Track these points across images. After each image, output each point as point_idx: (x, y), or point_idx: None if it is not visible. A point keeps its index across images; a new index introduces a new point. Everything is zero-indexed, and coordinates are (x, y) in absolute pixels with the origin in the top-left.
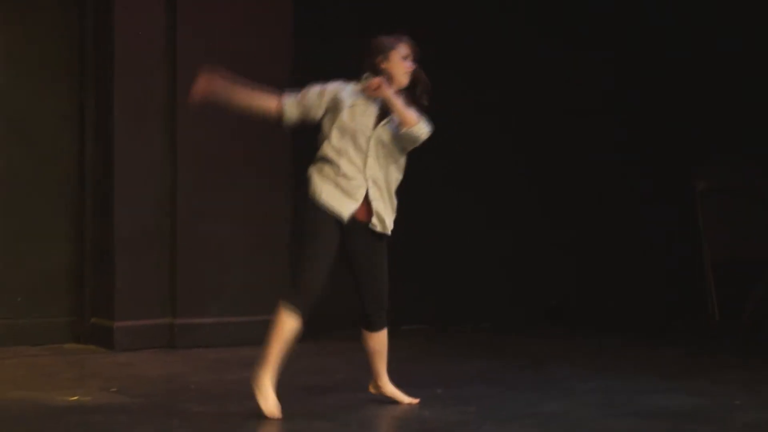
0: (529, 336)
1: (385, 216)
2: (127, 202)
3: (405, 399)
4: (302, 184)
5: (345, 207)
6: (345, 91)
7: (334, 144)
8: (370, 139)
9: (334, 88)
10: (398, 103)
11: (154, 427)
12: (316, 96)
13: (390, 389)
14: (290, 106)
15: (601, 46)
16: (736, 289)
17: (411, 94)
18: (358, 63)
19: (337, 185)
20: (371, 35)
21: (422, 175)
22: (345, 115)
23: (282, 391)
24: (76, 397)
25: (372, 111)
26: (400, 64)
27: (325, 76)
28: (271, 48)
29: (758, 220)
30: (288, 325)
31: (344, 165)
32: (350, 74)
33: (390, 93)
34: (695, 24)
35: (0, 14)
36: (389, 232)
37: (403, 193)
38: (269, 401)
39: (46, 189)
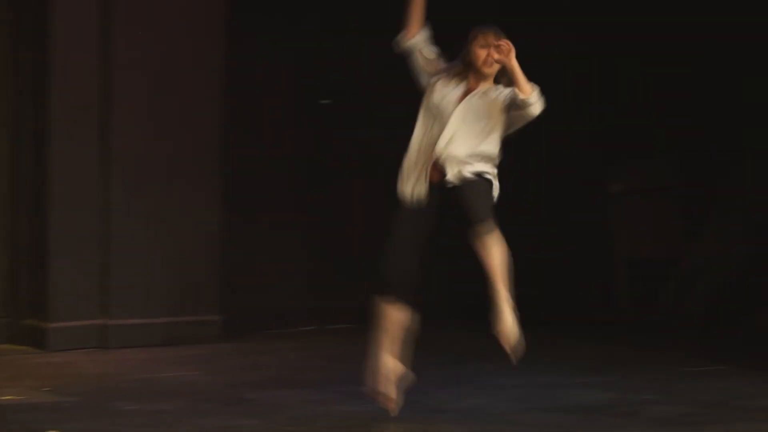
0: (452, 332)
1: (465, 165)
2: (62, 205)
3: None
4: (233, 186)
5: (415, 189)
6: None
7: (419, 124)
8: (452, 114)
9: (440, 69)
10: (520, 73)
11: (86, 425)
12: (432, 59)
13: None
14: (416, 42)
15: None
16: (648, 286)
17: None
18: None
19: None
20: (303, 43)
21: (338, 168)
22: (433, 94)
23: (213, 388)
24: (8, 397)
25: (458, 89)
26: (479, 53)
27: (257, 83)
28: (202, 56)
29: (669, 220)
30: (391, 315)
31: (419, 146)
32: (282, 81)
33: (514, 61)
34: (606, 22)
35: None
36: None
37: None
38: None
39: None
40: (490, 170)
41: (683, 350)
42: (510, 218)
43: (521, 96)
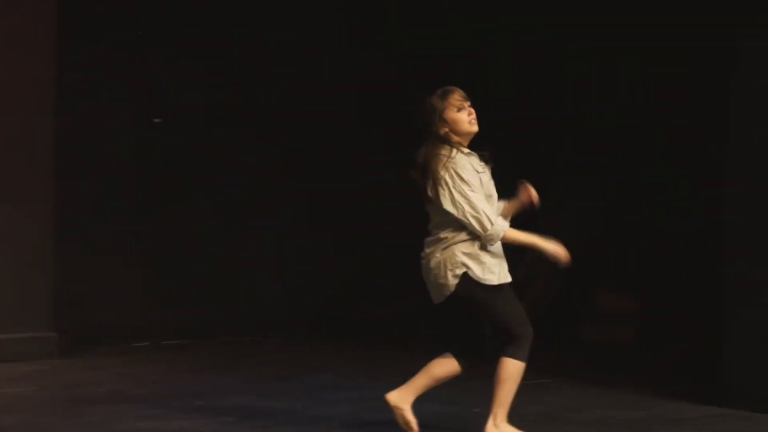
0: (296, 345)
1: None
2: None
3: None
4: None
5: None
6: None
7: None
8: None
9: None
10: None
11: None
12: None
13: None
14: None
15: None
16: None
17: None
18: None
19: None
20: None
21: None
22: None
23: (51, 403)
24: None
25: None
26: (459, 117)
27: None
28: (32, 75)
29: None
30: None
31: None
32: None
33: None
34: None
35: None
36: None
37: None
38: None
39: None
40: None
41: None
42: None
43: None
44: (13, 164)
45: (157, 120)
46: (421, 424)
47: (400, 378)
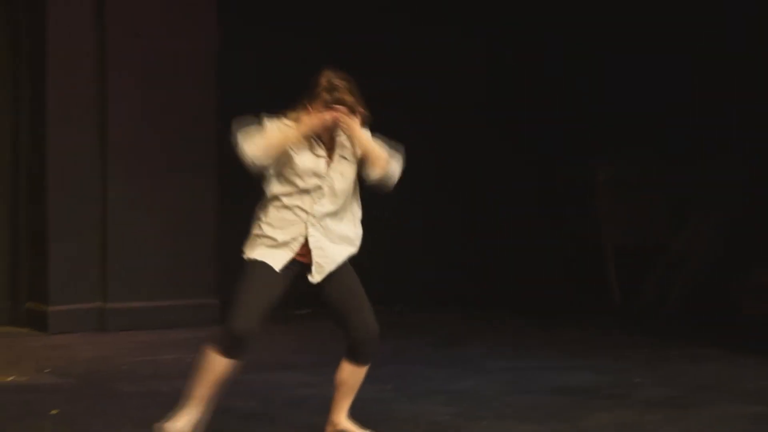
0: (443, 317)
1: (331, 260)
2: (60, 191)
3: None
4: (226, 174)
5: (278, 259)
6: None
7: (275, 191)
8: (323, 181)
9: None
10: (368, 142)
11: (86, 406)
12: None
13: (347, 426)
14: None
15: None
16: (635, 273)
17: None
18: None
19: (272, 240)
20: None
21: None
22: (294, 157)
23: None
24: (11, 378)
25: (319, 149)
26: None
27: (250, 78)
28: (196, 49)
29: (654, 208)
30: (215, 364)
31: (282, 213)
32: (282, 72)
33: (357, 127)
34: (594, 20)
35: None
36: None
37: None
38: None
39: None
40: None
41: (670, 335)
42: (504, 208)
43: (376, 172)
44: (176, 137)
45: None
46: (577, 392)
47: (553, 349)
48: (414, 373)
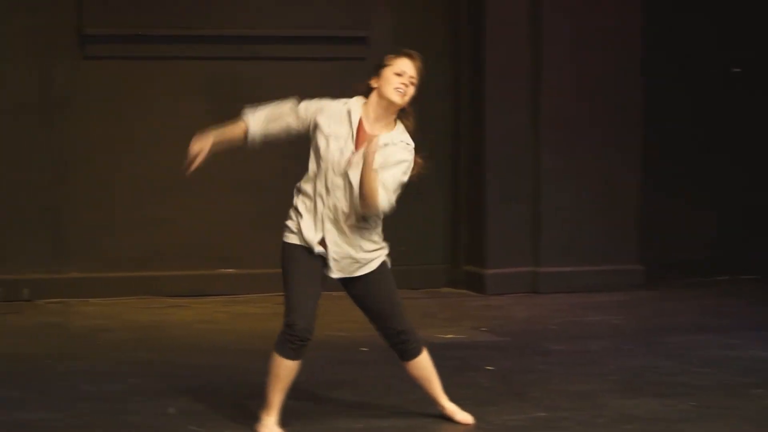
0: None
1: (347, 256)
2: (496, 164)
3: (460, 415)
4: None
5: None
6: (327, 112)
7: (311, 169)
8: (339, 178)
9: (316, 107)
10: (371, 180)
11: (519, 363)
12: (288, 110)
13: (449, 408)
14: (253, 122)
15: None
16: None
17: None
18: None
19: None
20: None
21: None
22: (321, 143)
23: (633, 332)
24: (450, 335)
25: (349, 145)
26: (391, 79)
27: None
28: (623, 26)
29: None
30: (283, 367)
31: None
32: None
33: (371, 159)
34: None
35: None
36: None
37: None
38: None
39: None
40: None
41: None
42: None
43: (362, 204)
44: (603, 110)
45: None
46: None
47: None
48: None
